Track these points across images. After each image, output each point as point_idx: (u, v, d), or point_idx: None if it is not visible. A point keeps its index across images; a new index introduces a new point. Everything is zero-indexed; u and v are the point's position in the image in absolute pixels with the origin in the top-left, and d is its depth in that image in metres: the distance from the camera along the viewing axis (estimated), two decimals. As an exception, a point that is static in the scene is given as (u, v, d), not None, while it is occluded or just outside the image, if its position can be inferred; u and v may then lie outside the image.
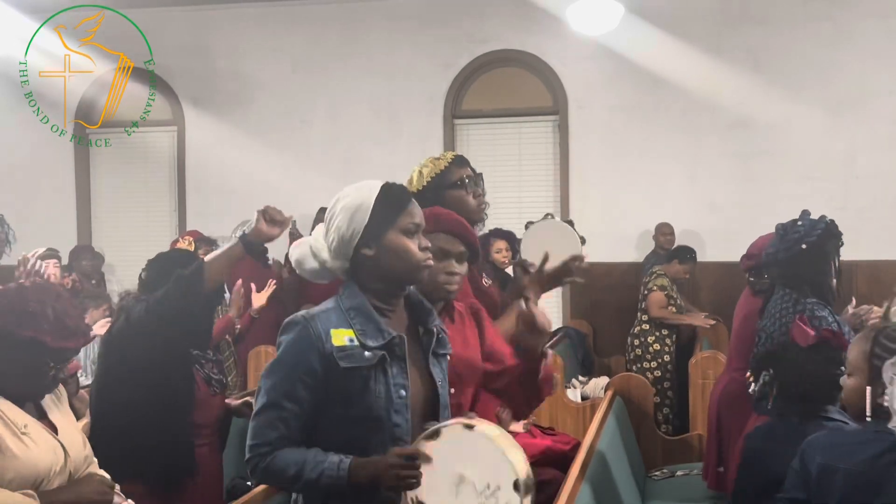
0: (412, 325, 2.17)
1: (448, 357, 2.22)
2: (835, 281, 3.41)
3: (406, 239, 2.09)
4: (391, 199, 2.10)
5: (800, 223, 3.43)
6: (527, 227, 3.27)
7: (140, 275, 3.27)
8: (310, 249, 2.14)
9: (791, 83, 7.52)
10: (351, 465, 1.96)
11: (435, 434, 1.98)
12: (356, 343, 2.02)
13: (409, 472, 1.94)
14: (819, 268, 3.37)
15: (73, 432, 2.45)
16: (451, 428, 1.99)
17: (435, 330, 2.17)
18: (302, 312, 2.07)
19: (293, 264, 2.20)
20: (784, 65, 7.55)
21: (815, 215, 3.54)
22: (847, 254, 7.21)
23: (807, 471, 2.28)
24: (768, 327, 3.45)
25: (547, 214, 3.32)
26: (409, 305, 2.19)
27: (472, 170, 3.12)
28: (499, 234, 5.86)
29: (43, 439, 2.31)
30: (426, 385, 2.13)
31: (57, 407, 2.45)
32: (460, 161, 3.11)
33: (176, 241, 6.94)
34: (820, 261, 3.37)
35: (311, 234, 2.22)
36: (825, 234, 3.38)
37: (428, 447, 1.97)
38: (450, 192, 3.00)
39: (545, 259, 2.94)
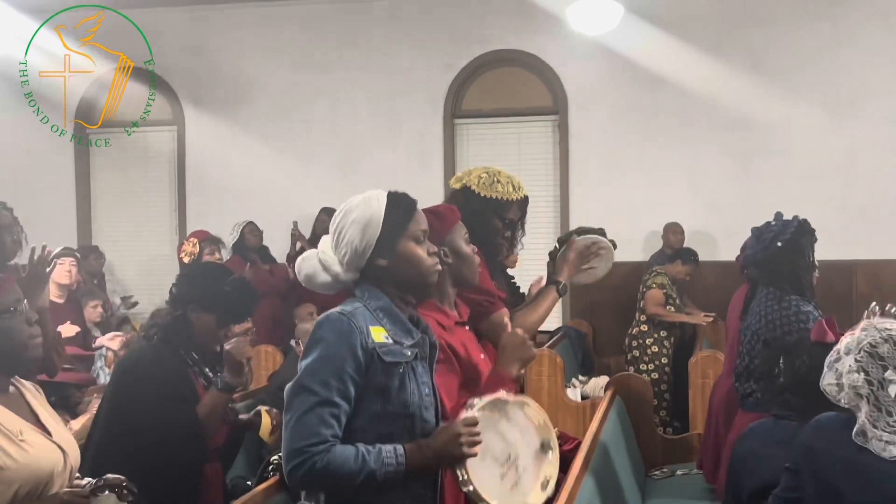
0: None
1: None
2: (811, 276, 3.59)
3: (416, 246, 2.15)
4: (399, 208, 2.15)
5: (773, 223, 3.62)
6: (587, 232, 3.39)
7: (171, 289, 3.25)
8: (320, 264, 2.14)
9: (791, 83, 7.52)
10: (407, 450, 2.02)
11: (481, 407, 2.12)
12: (391, 340, 2.07)
13: (474, 437, 2.05)
14: (796, 263, 3.54)
15: (65, 432, 2.44)
16: (493, 402, 2.15)
17: (436, 344, 2.23)
18: (337, 309, 2.08)
19: (302, 280, 2.19)
20: (784, 65, 7.55)
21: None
22: (847, 254, 7.29)
23: (799, 450, 2.45)
24: (753, 325, 3.59)
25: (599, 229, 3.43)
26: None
27: (523, 217, 3.11)
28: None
29: (40, 443, 2.30)
30: (433, 390, 2.20)
31: (45, 409, 2.44)
32: (521, 205, 3.08)
33: (182, 245, 6.98)
34: (796, 256, 3.54)
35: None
36: (798, 232, 3.56)
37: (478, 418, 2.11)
38: (494, 220, 3.01)
39: (571, 241, 3.11)
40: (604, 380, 6.15)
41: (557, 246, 3.26)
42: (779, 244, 3.54)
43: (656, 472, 4.83)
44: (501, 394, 2.18)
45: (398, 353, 2.06)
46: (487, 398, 2.15)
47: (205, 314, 3.13)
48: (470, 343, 2.59)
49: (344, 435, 2.02)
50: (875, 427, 2.34)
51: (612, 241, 3.20)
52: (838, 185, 7.44)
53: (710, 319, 6.63)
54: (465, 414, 2.11)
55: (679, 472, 4.78)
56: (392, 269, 2.12)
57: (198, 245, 6.77)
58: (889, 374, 2.34)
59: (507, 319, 2.90)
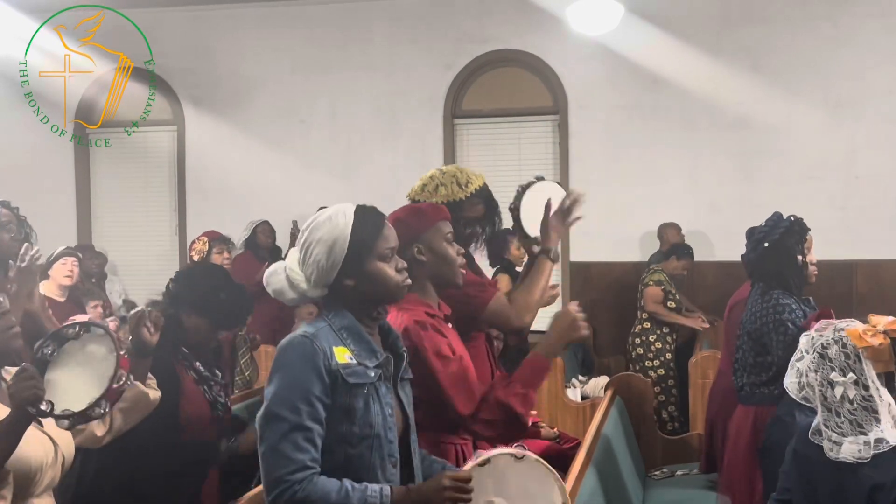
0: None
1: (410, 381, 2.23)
2: (801, 274, 3.63)
3: (384, 265, 2.10)
4: (366, 226, 2.09)
5: (764, 224, 3.69)
6: (522, 190, 3.27)
7: (167, 285, 3.24)
8: (287, 280, 2.11)
9: (791, 83, 7.52)
10: (394, 493, 1.97)
11: (485, 462, 2.03)
12: (355, 361, 2.04)
13: (462, 496, 1.96)
14: (782, 262, 3.60)
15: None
16: (501, 457, 2.05)
17: (404, 355, 2.19)
18: (300, 332, 2.05)
19: (271, 294, 2.16)
20: (784, 65, 7.54)
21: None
22: (847, 253, 7.29)
23: (789, 453, 2.56)
24: (743, 319, 3.68)
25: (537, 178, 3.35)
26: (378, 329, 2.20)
27: (489, 206, 2.95)
28: (513, 232, 5.92)
29: (30, 434, 2.28)
30: (398, 407, 2.15)
31: None
32: (475, 199, 2.92)
33: (193, 243, 7.01)
34: (782, 256, 3.60)
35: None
36: (786, 232, 3.62)
37: (475, 474, 2.01)
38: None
39: (548, 206, 3.03)
40: (604, 380, 6.15)
41: (512, 213, 3.19)
42: (765, 245, 3.62)
43: (656, 473, 4.84)
44: (517, 450, 2.07)
45: (362, 374, 2.03)
46: (494, 454, 2.05)
47: (197, 318, 3.11)
48: (455, 342, 2.56)
49: None
50: (826, 427, 2.38)
51: (541, 178, 3.20)
52: (838, 185, 7.44)
53: (707, 326, 6.64)
54: (467, 466, 2.05)
55: (679, 472, 4.79)
56: (359, 289, 2.08)
57: (207, 244, 6.80)
58: (834, 375, 2.37)
59: (502, 302, 2.86)
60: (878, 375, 2.38)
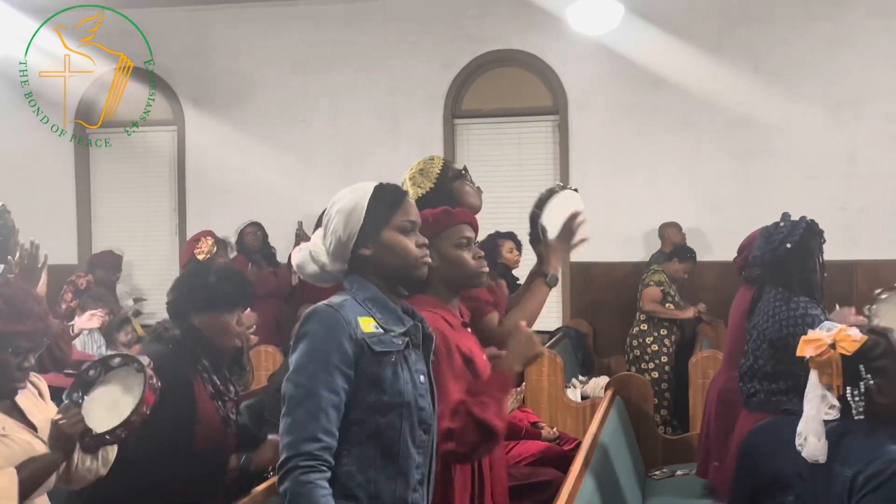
0: None
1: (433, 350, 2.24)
2: (821, 277, 3.56)
3: (402, 236, 2.13)
4: (385, 197, 2.15)
5: (782, 224, 3.58)
6: (545, 199, 3.12)
7: (167, 304, 3.23)
8: (309, 254, 2.18)
9: (791, 83, 7.52)
10: None
11: None
12: (382, 330, 2.05)
13: None
14: (805, 265, 3.51)
15: None
16: None
17: (432, 335, 2.20)
18: (325, 301, 2.07)
19: (296, 269, 2.24)
20: (784, 65, 7.55)
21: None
22: (847, 253, 7.30)
23: (803, 458, 2.51)
24: (760, 325, 3.54)
25: (557, 185, 3.21)
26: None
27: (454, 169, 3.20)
28: (504, 235, 5.94)
29: (22, 438, 2.28)
30: (428, 378, 2.17)
31: (35, 405, 2.41)
32: (447, 160, 3.19)
33: (199, 243, 6.89)
34: (805, 258, 3.51)
35: (313, 234, 2.27)
36: (807, 233, 3.53)
37: None
38: (457, 184, 3.04)
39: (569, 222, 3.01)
40: (604, 380, 6.16)
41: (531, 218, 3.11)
42: (788, 246, 3.49)
43: (656, 473, 4.84)
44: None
45: (388, 343, 2.04)
46: None
47: (203, 312, 3.08)
48: (475, 346, 2.57)
49: (342, 428, 1.99)
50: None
51: (574, 190, 3.12)
52: (838, 185, 7.44)
53: (694, 312, 6.69)
54: None
55: (679, 473, 4.79)
56: (376, 259, 2.11)
57: (215, 245, 6.75)
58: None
59: (495, 322, 2.86)
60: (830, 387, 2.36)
